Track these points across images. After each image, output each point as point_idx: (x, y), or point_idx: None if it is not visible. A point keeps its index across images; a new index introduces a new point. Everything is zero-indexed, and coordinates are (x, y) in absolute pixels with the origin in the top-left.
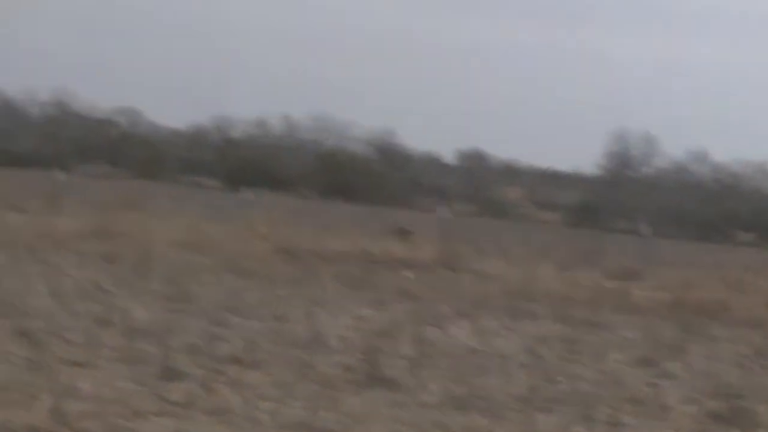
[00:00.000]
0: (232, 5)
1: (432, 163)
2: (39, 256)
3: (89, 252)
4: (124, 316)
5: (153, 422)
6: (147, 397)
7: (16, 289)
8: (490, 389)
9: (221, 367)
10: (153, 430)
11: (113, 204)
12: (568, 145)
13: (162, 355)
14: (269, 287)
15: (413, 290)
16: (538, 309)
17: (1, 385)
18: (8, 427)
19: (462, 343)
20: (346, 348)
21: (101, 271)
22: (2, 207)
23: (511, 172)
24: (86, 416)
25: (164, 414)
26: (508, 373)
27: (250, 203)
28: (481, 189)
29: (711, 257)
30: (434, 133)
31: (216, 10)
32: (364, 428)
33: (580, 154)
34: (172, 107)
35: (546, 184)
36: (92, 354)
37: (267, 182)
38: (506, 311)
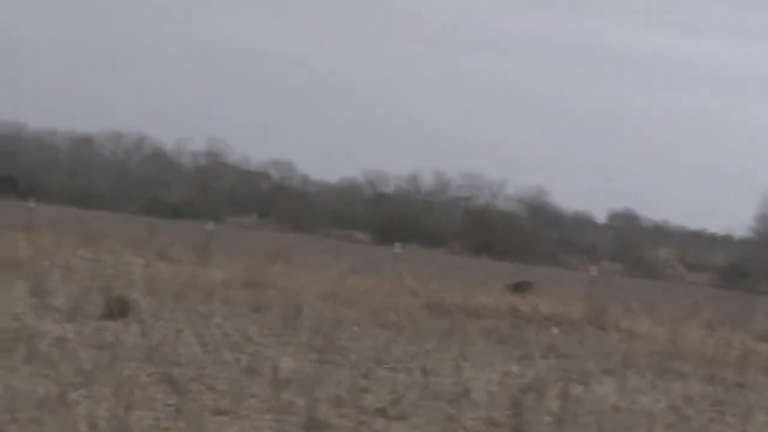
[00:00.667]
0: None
1: (583, 221)
2: (189, 305)
3: (238, 302)
4: (270, 366)
5: None
6: None
7: (164, 338)
8: None
9: (367, 418)
10: None
11: (263, 255)
12: (720, 206)
13: (308, 405)
14: (417, 341)
15: (560, 347)
16: (685, 368)
17: (146, 430)
18: None
19: (607, 400)
20: (491, 403)
21: (249, 322)
22: (155, 256)
23: (662, 233)
24: None
25: None
26: (653, 431)
27: (400, 257)
28: (631, 248)
29: None
30: (586, 193)
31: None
32: None
33: (731, 216)
34: (325, 161)
35: (696, 246)
36: (238, 403)
37: (417, 237)
38: (653, 370)
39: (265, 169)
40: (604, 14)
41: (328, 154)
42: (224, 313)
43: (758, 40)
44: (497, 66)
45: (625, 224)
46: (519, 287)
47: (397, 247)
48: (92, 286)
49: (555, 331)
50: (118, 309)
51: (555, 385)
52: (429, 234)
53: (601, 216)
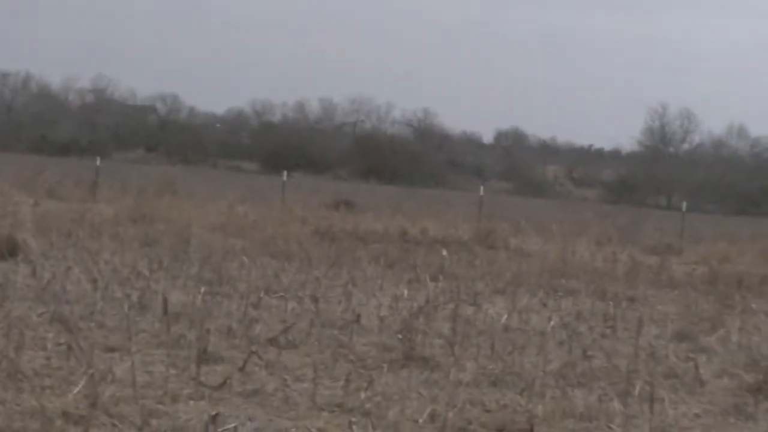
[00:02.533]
0: None
1: (471, 142)
2: (78, 243)
3: (127, 237)
4: (160, 301)
5: (188, 405)
6: (183, 380)
7: (54, 276)
8: (526, 366)
9: (258, 349)
10: (188, 414)
11: (151, 189)
12: (607, 122)
13: (198, 338)
14: (306, 269)
15: (450, 269)
16: (576, 285)
17: (37, 371)
18: (44, 412)
19: (499, 320)
20: (382, 327)
21: (139, 256)
22: (43, 195)
23: (550, 151)
24: (122, 400)
25: (200, 397)
26: (544, 349)
27: (288, 186)
28: (519, 167)
29: (749, 231)
30: (473, 114)
31: None
32: (399, 407)
33: (619, 132)
34: (212, 92)
35: (584, 162)
36: (129, 339)
37: (305, 165)
38: (543, 288)
39: (151, 103)
40: None
41: (214, 86)
42: (113, 249)
43: None
44: None
45: (513, 143)
46: (338, 205)
47: (285, 176)
48: None
49: (444, 253)
50: (7, 249)
51: (445, 307)
52: (317, 161)
53: (488, 136)
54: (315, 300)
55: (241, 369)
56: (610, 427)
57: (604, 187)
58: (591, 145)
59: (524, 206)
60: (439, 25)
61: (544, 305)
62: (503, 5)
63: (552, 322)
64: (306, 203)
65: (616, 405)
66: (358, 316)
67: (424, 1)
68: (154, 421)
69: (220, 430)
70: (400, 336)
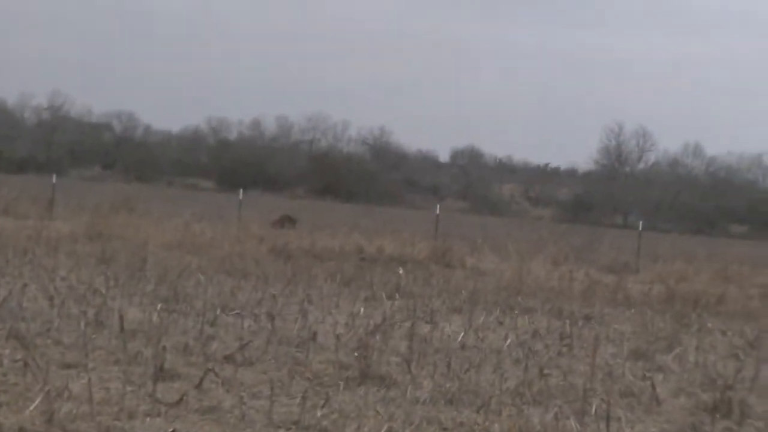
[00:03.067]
0: (226, 6)
1: (427, 161)
2: (34, 260)
3: (83, 254)
4: (117, 318)
5: (145, 422)
6: (139, 397)
7: (12, 293)
8: (482, 384)
9: (215, 366)
10: (145, 430)
11: (107, 207)
12: (564, 141)
13: (155, 355)
14: (262, 286)
15: (406, 287)
16: (532, 304)
17: None
18: (0, 428)
19: (455, 338)
20: (339, 345)
21: (95, 274)
22: None
23: (506, 169)
24: (78, 417)
25: (156, 414)
26: (500, 367)
27: (244, 204)
28: (475, 185)
29: (705, 250)
30: (429, 132)
31: (210, 11)
32: (356, 425)
33: (575, 151)
34: (167, 110)
35: (541, 181)
36: (86, 356)
37: (261, 182)
38: (500, 306)
39: (107, 120)
40: None
41: (170, 104)
42: (69, 266)
43: None
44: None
45: (469, 161)
46: (282, 222)
47: (241, 194)
48: None
49: (401, 271)
50: None
51: (402, 325)
52: (273, 179)
53: (444, 154)
54: (271, 317)
55: (198, 386)
56: None
57: (560, 206)
58: (547, 164)
59: (480, 225)
60: (395, 42)
61: (501, 323)
62: (460, 22)
63: (508, 341)
64: (262, 221)
65: (573, 423)
66: (315, 334)
67: (382, 17)
68: None
69: None
70: (356, 354)
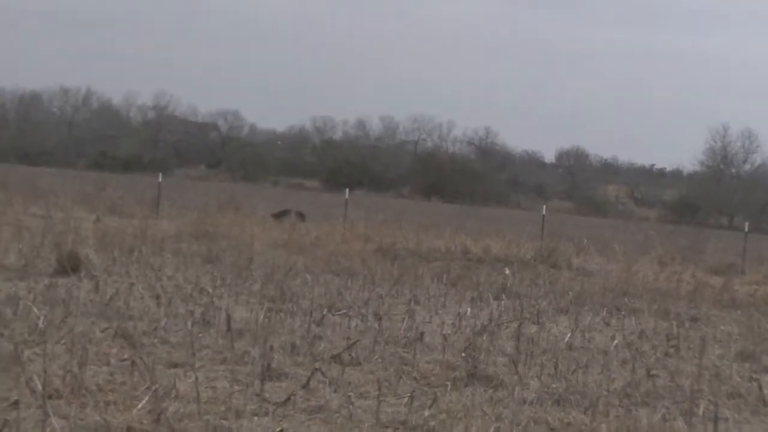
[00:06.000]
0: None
1: (532, 161)
2: (140, 259)
3: (189, 254)
4: (223, 317)
5: (253, 422)
6: (247, 396)
7: (117, 292)
8: (589, 385)
9: (322, 366)
10: (252, 430)
11: (213, 206)
12: (668, 142)
13: (262, 355)
14: (369, 286)
15: (512, 287)
16: (639, 305)
17: (100, 386)
18: (107, 427)
19: (562, 339)
20: (445, 346)
21: (201, 273)
22: (105, 211)
23: (611, 170)
24: (186, 416)
25: (264, 413)
26: (607, 368)
27: (350, 203)
28: (580, 186)
29: None
30: (534, 133)
31: (315, 11)
32: (463, 425)
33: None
34: (273, 110)
35: (646, 182)
36: (192, 355)
37: (366, 182)
38: (606, 307)
39: (213, 120)
40: None
41: (275, 103)
42: (176, 265)
43: None
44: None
45: (574, 162)
46: (280, 215)
47: (347, 194)
48: (43, 243)
49: (507, 271)
50: (70, 265)
51: (509, 326)
52: (378, 179)
53: (549, 155)
54: (378, 317)
55: (305, 386)
56: None
57: (666, 207)
58: (652, 165)
59: (586, 225)
60: (500, 43)
61: (607, 324)
62: (565, 25)
63: (615, 341)
64: (368, 220)
65: (680, 424)
66: (422, 334)
67: (486, 20)
68: None
69: None
70: (463, 354)
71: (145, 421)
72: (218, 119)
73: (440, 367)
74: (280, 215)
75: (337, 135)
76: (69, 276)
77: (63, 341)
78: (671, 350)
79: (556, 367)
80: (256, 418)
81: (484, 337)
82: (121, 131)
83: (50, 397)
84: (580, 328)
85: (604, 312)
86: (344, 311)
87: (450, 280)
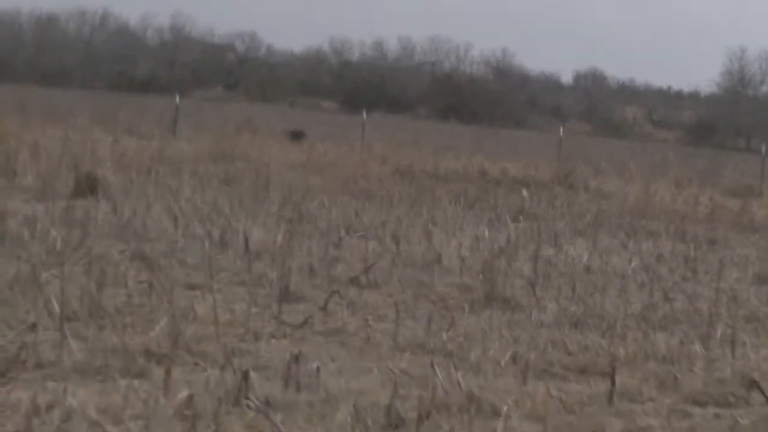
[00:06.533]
0: None
1: (549, 83)
2: (158, 180)
3: (207, 175)
4: (241, 239)
5: (270, 344)
6: (264, 319)
7: (136, 214)
8: (607, 308)
9: (340, 288)
10: (270, 352)
11: (230, 127)
12: (686, 63)
13: (280, 277)
14: (387, 208)
15: (530, 209)
16: (656, 227)
17: (118, 308)
18: (124, 350)
19: (580, 261)
20: (463, 267)
21: (219, 194)
22: (122, 132)
23: (629, 92)
24: (204, 339)
25: (282, 336)
26: (625, 291)
27: (367, 125)
28: (598, 108)
29: None
30: (551, 54)
31: None
32: (480, 348)
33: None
34: (290, 30)
35: (663, 103)
36: (210, 277)
37: (383, 104)
38: (623, 229)
39: (229, 41)
40: None
41: (292, 24)
42: (193, 187)
43: None
44: None
45: (591, 84)
46: (296, 135)
47: (364, 115)
48: (60, 164)
49: (524, 193)
50: (88, 186)
51: (526, 248)
52: (395, 100)
53: (567, 77)
54: (396, 240)
55: (323, 308)
56: (692, 370)
57: (684, 129)
58: (670, 87)
59: (604, 147)
60: None
61: (625, 247)
62: None
63: (633, 264)
64: (386, 142)
65: (698, 348)
66: (439, 256)
67: None
68: (236, 360)
69: (302, 368)
70: (481, 276)
71: (163, 344)
72: (235, 40)
73: (458, 290)
74: (295, 135)
75: (355, 56)
76: (86, 197)
77: (80, 263)
78: (689, 274)
79: (573, 289)
80: (273, 340)
81: (502, 260)
82: (138, 52)
83: (68, 319)
84: (597, 251)
85: (622, 234)
86: (362, 233)
87: (467, 202)
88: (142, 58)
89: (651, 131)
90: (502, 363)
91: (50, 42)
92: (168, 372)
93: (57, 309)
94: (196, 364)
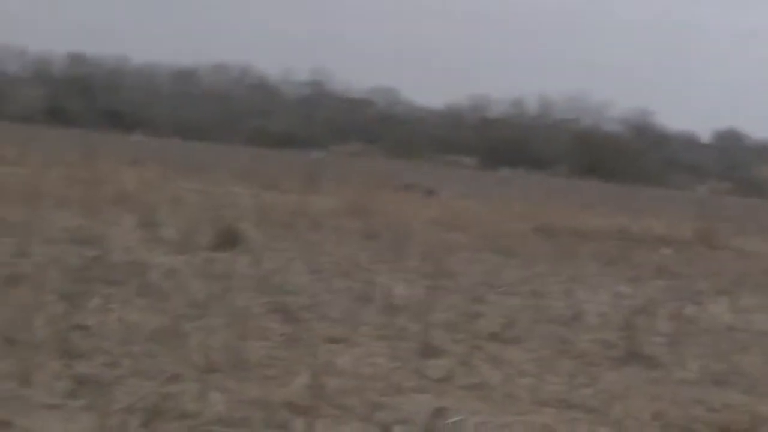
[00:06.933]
0: None
1: (688, 142)
2: (298, 234)
3: (347, 230)
4: (382, 293)
5: (412, 398)
6: (406, 373)
7: (275, 267)
8: (750, 366)
9: (480, 343)
10: (412, 406)
11: (370, 183)
12: None
13: (421, 331)
14: (528, 264)
15: (671, 267)
16: None
17: (259, 361)
18: (266, 402)
19: (721, 320)
20: (604, 324)
21: (359, 249)
22: (262, 186)
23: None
24: (345, 392)
25: (423, 390)
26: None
27: (507, 181)
28: (737, 167)
29: None
30: (690, 113)
31: None
32: (622, 404)
33: None
34: (429, 87)
35: None
36: (351, 331)
37: (522, 161)
38: (766, 289)
39: (368, 96)
40: None
41: (431, 80)
42: (334, 241)
43: None
44: None
45: (731, 143)
46: (409, 187)
47: (504, 172)
48: (201, 217)
49: (666, 251)
50: (228, 239)
51: (667, 306)
52: (534, 158)
53: (705, 136)
54: (537, 296)
55: (464, 363)
56: None
57: None
58: None
59: (745, 206)
60: (653, 24)
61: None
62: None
63: None
64: (526, 199)
65: None
66: (581, 313)
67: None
68: (378, 413)
69: (443, 423)
70: (622, 333)
71: (304, 397)
72: (374, 96)
73: (599, 346)
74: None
75: (494, 113)
76: (227, 250)
77: (222, 315)
78: None
79: (715, 348)
80: (415, 394)
81: (643, 317)
82: (277, 106)
83: (209, 371)
84: (739, 309)
85: (764, 294)
86: (503, 289)
87: (608, 259)
88: (281, 113)
89: None
90: (644, 420)
91: (188, 95)
92: (311, 425)
93: (199, 361)
94: (339, 417)
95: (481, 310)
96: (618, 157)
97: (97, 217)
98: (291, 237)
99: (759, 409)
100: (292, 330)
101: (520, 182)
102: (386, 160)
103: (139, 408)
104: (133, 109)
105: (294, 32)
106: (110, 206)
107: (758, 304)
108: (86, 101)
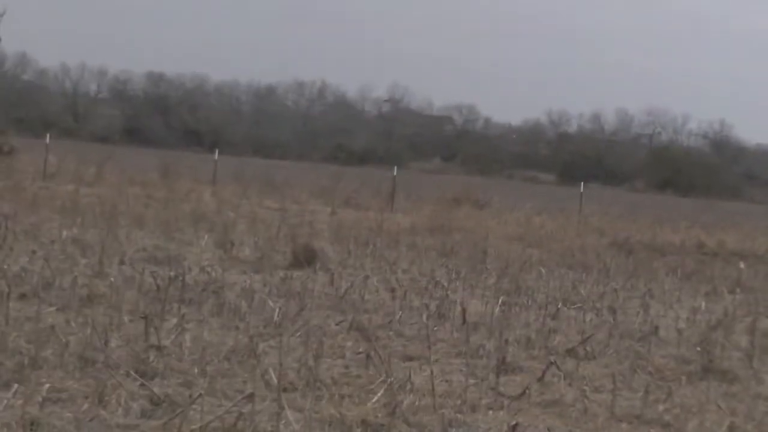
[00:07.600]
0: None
1: (766, 155)
2: (375, 252)
3: (424, 247)
4: (459, 311)
5: (488, 415)
6: (482, 390)
7: (352, 285)
8: None
9: (557, 359)
10: (488, 423)
11: (448, 199)
12: None
13: (497, 348)
14: (604, 280)
15: (747, 281)
16: None
17: (335, 379)
18: (341, 421)
19: None
20: (680, 340)
21: (436, 266)
22: (340, 204)
23: None
24: (421, 410)
25: (499, 407)
26: None
27: (584, 196)
28: None
29: None
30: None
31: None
32: (698, 420)
33: None
34: (508, 103)
35: None
36: (427, 348)
37: (600, 176)
38: None
39: (447, 113)
40: None
41: (510, 97)
42: (411, 259)
43: None
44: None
45: None
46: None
47: (582, 187)
48: (278, 235)
49: (742, 265)
50: (305, 258)
51: (744, 320)
52: (612, 172)
53: None
54: (613, 311)
55: (540, 379)
56: None
57: None
58: None
59: None
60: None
61: None
62: None
63: None
64: (603, 214)
65: None
66: (656, 328)
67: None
68: (453, 431)
69: None
70: (698, 348)
71: (380, 415)
72: (453, 112)
73: (675, 362)
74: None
75: (572, 128)
76: (304, 269)
77: (298, 334)
78: None
79: None
80: (491, 411)
81: (719, 332)
82: (356, 124)
83: (285, 389)
84: None
85: None
86: (579, 305)
87: (684, 274)
88: (360, 130)
89: None
90: None
91: (268, 113)
92: None
93: (274, 380)
94: None
95: (556, 326)
96: (695, 171)
97: (174, 237)
98: (368, 254)
99: None
100: (368, 348)
101: (597, 197)
102: (465, 176)
103: (214, 428)
104: (211, 128)
105: (373, 48)
106: (187, 225)
107: None
108: (164, 120)
